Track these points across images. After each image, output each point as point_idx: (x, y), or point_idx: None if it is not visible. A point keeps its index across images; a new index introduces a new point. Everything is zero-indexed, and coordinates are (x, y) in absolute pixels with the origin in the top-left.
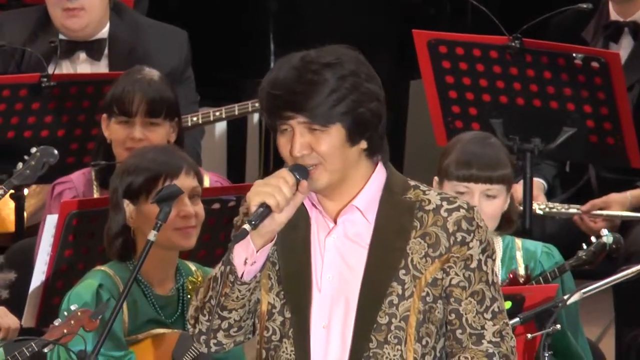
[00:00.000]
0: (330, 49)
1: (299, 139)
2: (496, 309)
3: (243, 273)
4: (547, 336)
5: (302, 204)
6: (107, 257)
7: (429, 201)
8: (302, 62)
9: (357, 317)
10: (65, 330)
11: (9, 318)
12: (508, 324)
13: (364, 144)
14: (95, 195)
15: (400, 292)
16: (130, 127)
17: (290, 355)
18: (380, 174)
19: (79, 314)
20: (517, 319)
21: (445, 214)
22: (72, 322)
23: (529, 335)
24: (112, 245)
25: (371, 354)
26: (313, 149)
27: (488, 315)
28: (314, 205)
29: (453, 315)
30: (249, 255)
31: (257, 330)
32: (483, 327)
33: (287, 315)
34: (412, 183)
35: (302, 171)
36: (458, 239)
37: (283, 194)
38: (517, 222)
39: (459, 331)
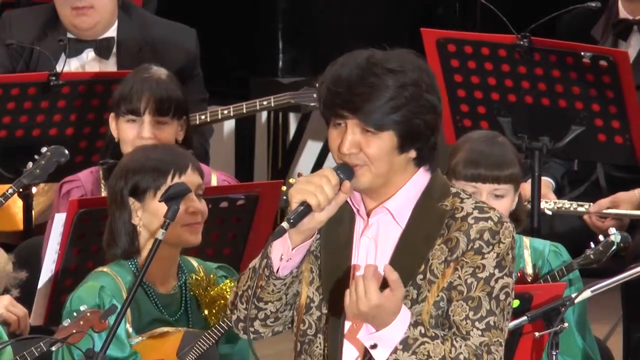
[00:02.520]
0: (397, 54)
1: (350, 136)
2: (492, 323)
3: (279, 268)
4: (555, 334)
5: (347, 200)
6: (108, 256)
7: (462, 209)
8: (367, 64)
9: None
10: (74, 331)
11: (17, 308)
12: (502, 345)
13: (413, 153)
14: (103, 193)
15: (414, 296)
16: (139, 126)
17: (323, 350)
18: (420, 179)
19: (88, 314)
20: (525, 317)
21: (471, 222)
22: (82, 322)
23: (537, 334)
24: (117, 245)
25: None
26: (362, 150)
27: (480, 325)
28: (354, 203)
29: (419, 329)
30: (285, 251)
31: (295, 322)
32: (469, 334)
33: (324, 311)
34: (454, 190)
35: (346, 171)
36: (475, 246)
37: (325, 194)
38: (525, 221)
39: (446, 328)
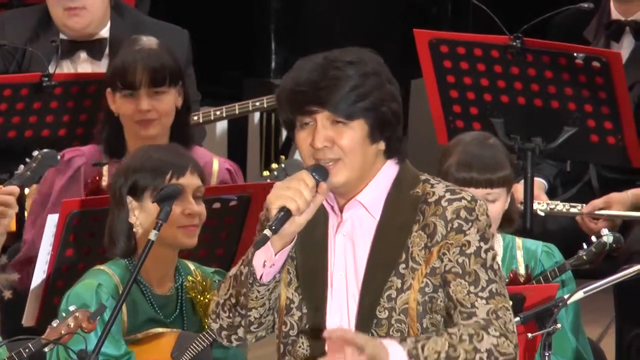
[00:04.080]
0: (352, 50)
1: (322, 130)
2: (494, 290)
3: (262, 275)
4: (547, 335)
5: None
6: (108, 255)
7: (434, 193)
8: (326, 61)
9: (357, 313)
10: (63, 331)
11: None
12: (509, 310)
13: (382, 145)
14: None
15: (399, 285)
16: (137, 99)
17: (307, 350)
18: (390, 170)
19: (77, 314)
20: (517, 319)
21: (445, 204)
22: (71, 322)
23: (530, 335)
24: (115, 243)
25: None
26: (335, 143)
27: (483, 294)
28: (328, 200)
29: (447, 300)
30: (267, 258)
31: (277, 324)
32: (474, 305)
33: (305, 311)
34: (423, 177)
35: (321, 172)
36: (454, 226)
37: (303, 198)
38: (518, 222)
39: (452, 311)
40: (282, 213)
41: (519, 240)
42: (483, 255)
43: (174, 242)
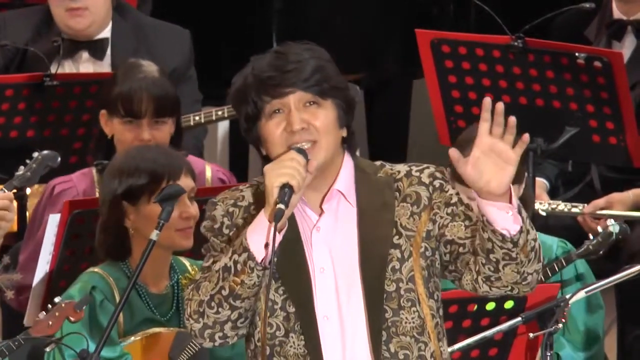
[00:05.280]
0: (301, 43)
1: (296, 113)
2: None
3: (264, 258)
4: (549, 335)
5: None
6: (99, 256)
7: (399, 171)
8: (283, 49)
9: (365, 293)
10: (50, 322)
11: None
12: None
13: (344, 132)
14: (98, 194)
15: (399, 255)
16: (137, 127)
17: (298, 348)
18: (349, 160)
19: (62, 305)
20: (519, 318)
21: (417, 173)
22: (57, 313)
23: (531, 335)
24: (106, 245)
25: (390, 323)
26: (310, 124)
27: (477, 226)
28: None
29: (449, 247)
30: (270, 239)
31: (258, 327)
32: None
33: (291, 309)
34: (378, 163)
35: (303, 154)
36: (436, 186)
37: (302, 174)
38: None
39: (460, 249)
40: (287, 189)
41: None
42: (464, 200)
43: (171, 244)
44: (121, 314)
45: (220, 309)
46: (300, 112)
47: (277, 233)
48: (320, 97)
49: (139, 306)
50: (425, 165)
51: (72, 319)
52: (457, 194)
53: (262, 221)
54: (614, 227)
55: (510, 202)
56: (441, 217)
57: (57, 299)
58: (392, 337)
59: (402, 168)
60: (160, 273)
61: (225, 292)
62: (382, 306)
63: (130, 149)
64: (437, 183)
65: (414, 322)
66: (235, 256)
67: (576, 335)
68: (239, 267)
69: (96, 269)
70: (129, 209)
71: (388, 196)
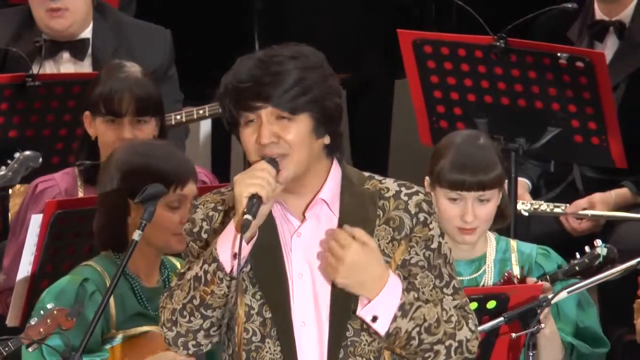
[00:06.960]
0: (293, 45)
1: (267, 126)
2: (456, 285)
3: (232, 269)
4: (531, 335)
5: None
6: (97, 248)
7: (388, 189)
8: (266, 56)
9: (331, 308)
10: (41, 330)
11: None
12: (468, 304)
13: (327, 139)
14: (80, 194)
15: None
16: (119, 126)
17: (274, 354)
18: (337, 169)
19: (55, 312)
20: (501, 318)
21: (405, 198)
22: (49, 320)
23: (513, 335)
24: (109, 241)
25: (349, 343)
26: (281, 138)
27: (448, 290)
28: (277, 203)
29: (412, 294)
30: (237, 249)
31: (235, 332)
32: (442, 301)
33: (268, 315)
34: (367, 174)
35: (274, 164)
36: (420, 219)
37: (271, 185)
38: (511, 217)
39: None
40: (255, 200)
41: (513, 243)
42: (444, 250)
43: (165, 247)
44: (113, 307)
45: (192, 318)
46: (271, 124)
47: (245, 244)
48: (291, 113)
49: (130, 300)
50: (415, 190)
51: (63, 327)
52: (440, 235)
53: (231, 231)
54: (601, 249)
55: None
56: (416, 254)
57: (49, 305)
58: (349, 356)
59: (391, 186)
60: (153, 268)
61: (196, 302)
62: (345, 324)
63: (133, 147)
64: (422, 217)
65: (371, 346)
66: (206, 266)
67: (568, 327)
68: (208, 277)
69: (90, 263)
70: (132, 206)
71: (370, 212)
